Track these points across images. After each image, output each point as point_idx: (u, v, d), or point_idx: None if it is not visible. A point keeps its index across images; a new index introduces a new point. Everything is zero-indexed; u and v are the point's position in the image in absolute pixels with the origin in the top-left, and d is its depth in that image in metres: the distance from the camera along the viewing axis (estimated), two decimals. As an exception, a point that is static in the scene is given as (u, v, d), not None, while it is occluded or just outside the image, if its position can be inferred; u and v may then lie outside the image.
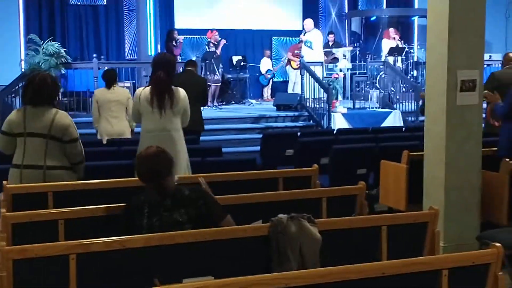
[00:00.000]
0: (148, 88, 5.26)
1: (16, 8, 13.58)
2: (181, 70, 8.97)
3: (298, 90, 13.26)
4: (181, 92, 5.32)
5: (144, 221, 3.48)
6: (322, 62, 13.42)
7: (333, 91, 11.90)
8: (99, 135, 7.70)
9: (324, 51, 15.07)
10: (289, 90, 14.27)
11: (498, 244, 2.84)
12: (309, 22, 13.87)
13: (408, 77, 14.07)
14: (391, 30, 15.09)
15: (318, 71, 12.94)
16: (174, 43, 13.10)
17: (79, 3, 14.65)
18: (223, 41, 13.29)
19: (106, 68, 12.58)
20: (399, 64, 14.34)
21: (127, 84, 11.64)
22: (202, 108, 8.03)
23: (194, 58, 13.10)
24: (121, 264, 3.04)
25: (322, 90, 11.81)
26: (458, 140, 5.02)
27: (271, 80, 15.58)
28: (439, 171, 5.06)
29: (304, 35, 13.73)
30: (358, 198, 4.28)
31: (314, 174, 4.88)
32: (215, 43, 13.20)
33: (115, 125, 7.55)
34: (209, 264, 3.17)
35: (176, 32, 13.57)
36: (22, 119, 4.51)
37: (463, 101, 5.00)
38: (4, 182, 4.23)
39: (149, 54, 13.40)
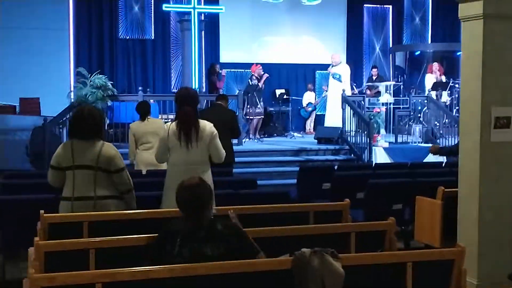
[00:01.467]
0: (175, 123, 5.37)
1: (67, 42, 14.10)
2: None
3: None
4: (207, 124, 5.42)
5: (176, 249, 3.51)
6: (364, 96, 13.48)
7: (375, 125, 11.88)
8: (137, 165, 7.86)
9: (367, 85, 15.13)
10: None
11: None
12: (337, 56, 14.06)
13: (453, 112, 13.94)
14: (435, 64, 15.03)
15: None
16: (216, 77, 13.33)
17: (127, 37, 15.08)
18: (266, 75, 13.47)
19: (155, 100, 12.98)
20: (444, 99, 14.24)
21: (171, 116, 11.86)
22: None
23: (237, 92, 13.35)
24: (146, 294, 3.12)
25: (364, 124, 11.81)
26: (492, 177, 4.98)
27: (313, 113, 15.64)
28: (473, 208, 5.02)
29: (331, 67, 13.82)
30: (387, 234, 4.27)
31: (345, 209, 4.88)
32: (258, 77, 13.37)
33: (152, 155, 7.71)
34: (232, 296, 3.22)
35: (218, 66, 13.84)
36: (70, 152, 4.63)
37: (497, 137, 4.98)
38: (41, 212, 4.37)
39: (194, 87, 13.66)
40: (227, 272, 3.22)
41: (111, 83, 12.37)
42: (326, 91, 14.53)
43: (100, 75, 12.29)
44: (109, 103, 12.15)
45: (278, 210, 4.84)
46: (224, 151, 5.51)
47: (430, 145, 12.06)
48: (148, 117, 7.99)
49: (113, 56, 15.01)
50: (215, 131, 5.44)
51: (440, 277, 3.59)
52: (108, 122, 12.03)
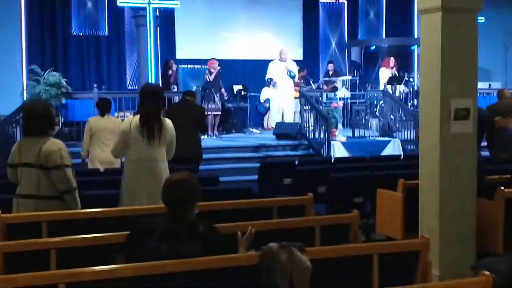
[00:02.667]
0: (137, 117, 5.29)
1: (19, 39, 13.73)
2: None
3: (298, 119, 13.33)
4: (169, 123, 5.38)
5: (153, 244, 3.40)
6: (321, 91, 13.55)
7: (333, 120, 11.94)
8: (91, 161, 7.73)
9: (324, 80, 15.21)
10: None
11: (487, 273, 2.85)
12: (286, 51, 14.10)
13: (409, 106, 14.12)
14: (391, 59, 15.20)
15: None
16: (170, 73, 13.20)
17: (81, 34, 14.80)
18: (218, 68, 13.35)
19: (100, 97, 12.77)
20: (397, 93, 14.42)
21: (128, 114, 11.70)
22: (202, 137, 8.10)
23: (194, 88, 13.24)
24: (111, 293, 3.04)
25: (321, 119, 11.86)
26: (453, 168, 5.03)
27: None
28: (434, 199, 5.06)
29: (282, 62, 13.82)
30: (352, 227, 4.28)
31: (308, 203, 4.88)
32: (212, 71, 13.30)
33: (108, 152, 7.58)
34: (199, 293, 3.17)
35: (172, 61, 13.72)
36: (18, 150, 4.60)
37: (457, 129, 5.02)
38: (-2, 212, 4.25)
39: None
40: (194, 269, 3.17)
41: (65, 81, 12.14)
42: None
43: (54, 72, 12.05)
44: (64, 101, 11.92)
45: (242, 206, 4.81)
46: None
47: (388, 138, 12.24)
48: (109, 114, 7.87)
49: (67, 53, 14.69)
50: (174, 132, 5.43)
51: (406, 268, 3.61)
52: (62, 120, 11.80)
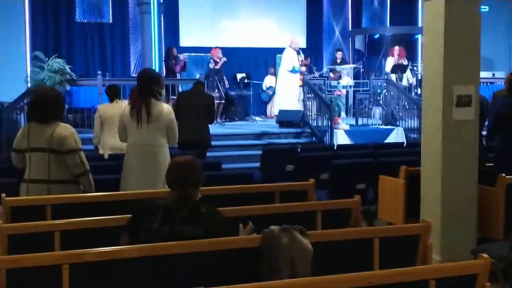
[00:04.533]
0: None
1: (23, 25, 13.75)
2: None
3: (301, 107, 13.33)
4: (165, 107, 5.39)
5: (155, 225, 3.42)
6: (325, 79, 13.55)
7: (336, 108, 11.95)
8: (101, 149, 7.74)
9: (329, 68, 15.19)
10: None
11: (485, 255, 2.87)
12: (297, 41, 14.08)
13: (413, 94, 14.12)
14: (396, 48, 15.13)
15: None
16: (173, 61, 13.17)
17: (85, 21, 14.79)
18: (224, 59, 13.35)
19: (108, 84, 12.79)
20: (405, 81, 14.39)
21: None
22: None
23: (198, 76, 13.26)
24: (114, 274, 3.07)
25: (325, 107, 11.87)
26: (454, 154, 5.06)
27: (274, 97, 15.64)
28: (436, 185, 5.09)
29: (295, 55, 13.79)
30: (353, 212, 4.31)
31: (310, 188, 4.90)
32: (217, 60, 13.30)
33: (118, 139, 7.61)
34: (201, 275, 3.20)
35: (175, 49, 13.68)
36: (27, 135, 4.61)
37: (459, 116, 5.05)
38: (3, 195, 4.28)
39: (154, 71, 13.51)
40: (197, 251, 3.20)
41: (69, 67, 12.16)
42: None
43: (58, 59, 12.07)
44: (68, 87, 11.95)
45: (244, 190, 4.84)
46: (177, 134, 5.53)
47: (391, 126, 12.24)
48: (117, 100, 7.87)
49: (70, 40, 14.67)
50: (173, 116, 5.43)
51: (407, 252, 3.64)
52: (67, 107, 11.82)
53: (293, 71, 13.62)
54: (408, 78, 14.59)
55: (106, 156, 7.48)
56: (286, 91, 13.76)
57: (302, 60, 14.18)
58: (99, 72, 12.44)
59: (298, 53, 13.83)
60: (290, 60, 13.60)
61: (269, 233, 3.29)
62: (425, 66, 5.34)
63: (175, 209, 3.49)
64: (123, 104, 8.19)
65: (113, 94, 7.89)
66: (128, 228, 3.49)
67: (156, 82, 5.44)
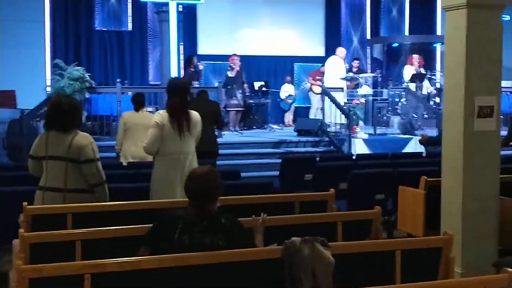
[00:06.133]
0: (166, 112, 5.36)
1: (43, 33, 13.90)
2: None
3: (320, 116, 13.30)
4: (196, 115, 5.49)
5: (175, 236, 3.41)
6: (343, 88, 13.48)
7: (354, 116, 11.92)
8: (123, 156, 7.75)
9: (347, 77, 15.14)
10: (311, 116, 14.33)
11: (510, 270, 2.84)
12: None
13: (431, 103, 14.04)
14: (415, 56, 15.07)
15: (340, 96, 13.03)
16: (192, 69, 13.20)
17: (104, 29, 14.90)
18: (239, 64, 13.38)
19: (134, 92, 12.81)
20: (424, 91, 14.32)
21: (150, 109, 11.75)
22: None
23: (216, 84, 13.28)
24: (135, 285, 3.08)
25: (343, 116, 11.84)
26: (475, 166, 5.01)
27: (292, 106, 15.64)
28: (456, 197, 5.05)
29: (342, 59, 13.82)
30: (373, 223, 4.28)
31: (330, 199, 4.89)
32: (234, 66, 13.32)
33: (141, 148, 7.60)
34: (223, 286, 3.20)
35: (195, 58, 13.70)
36: (45, 142, 4.62)
37: (481, 127, 5.01)
38: (24, 203, 4.31)
39: (172, 79, 13.55)
40: (218, 262, 3.19)
41: (88, 75, 12.24)
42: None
43: (78, 67, 12.16)
44: (87, 95, 12.02)
45: (264, 200, 4.82)
46: None
47: (410, 136, 12.18)
48: (143, 109, 7.90)
49: (90, 48, 14.79)
50: (201, 122, 5.54)
51: (429, 265, 3.61)
52: (86, 114, 11.90)
53: (345, 78, 13.61)
54: (426, 87, 14.52)
55: (125, 163, 7.50)
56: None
57: (351, 67, 14.37)
58: (118, 80, 12.50)
59: (345, 62, 13.91)
60: (338, 69, 13.60)
61: (291, 245, 3.28)
62: (447, 76, 5.30)
63: (195, 220, 3.49)
64: (149, 114, 8.29)
65: (139, 102, 7.92)
66: (148, 240, 3.48)
67: (189, 91, 5.62)
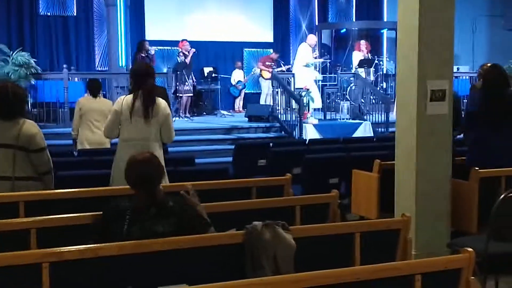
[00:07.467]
0: (130, 96, 5.21)
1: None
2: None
3: (270, 102, 13.32)
4: (162, 102, 5.30)
5: (124, 227, 3.36)
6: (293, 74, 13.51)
7: (308, 101, 11.98)
8: (79, 142, 7.63)
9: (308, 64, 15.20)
10: (262, 102, 14.32)
11: (470, 249, 2.89)
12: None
13: (378, 88, 14.23)
14: (362, 42, 15.26)
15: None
16: (144, 54, 12.99)
17: (48, 13, 14.50)
18: (193, 50, 13.27)
19: (81, 78, 12.63)
20: (371, 76, 14.50)
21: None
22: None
23: (165, 70, 13.12)
24: (95, 272, 3.02)
25: (294, 101, 11.88)
26: (428, 149, 5.10)
27: (243, 92, 15.59)
28: (410, 180, 5.12)
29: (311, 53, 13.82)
30: (331, 206, 4.30)
31: (287, 183, 4.89)
32: (186, 53, 13.18)
33: (97, 134, 7.46)
34: (183, 272, 3.16)
35: (147, 43, 13.49)
36: None
37: (433, 110, 5.08)
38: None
39: (120, 65, 13.33)
40: (178, 248, 3.15)
41: (34, 61, 11.93)
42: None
43: (23, 53, 11.84)
44: (33, 81, 11.72)
45: (220, 186, 4.79)
46: (174, 133, 5.42)
47: (359, 121, 12.31)
48: (99, 95, 7.81)
49: (34, 33, 14.38)
50: (169, 111, 5.36)
51: (387, 246, 3.65)
52: (31, 101, 11.61)
53: (307, 65, 13.56)
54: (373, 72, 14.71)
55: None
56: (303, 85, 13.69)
57: (317, 56, 14.39)
58: (64, 65, 12.22)
59: (314, 50, 13.85)
60: (304, 56, 13.55)
61: (252, 229, 3.27)
62: (399, 61, 5.35)
63: (143, 208, 3.43)
64: (106, 100, 8.14)
65: (96, 89, 7.83)
66: (96, 236, 3.39)
67: (155, 76, 5.43)
